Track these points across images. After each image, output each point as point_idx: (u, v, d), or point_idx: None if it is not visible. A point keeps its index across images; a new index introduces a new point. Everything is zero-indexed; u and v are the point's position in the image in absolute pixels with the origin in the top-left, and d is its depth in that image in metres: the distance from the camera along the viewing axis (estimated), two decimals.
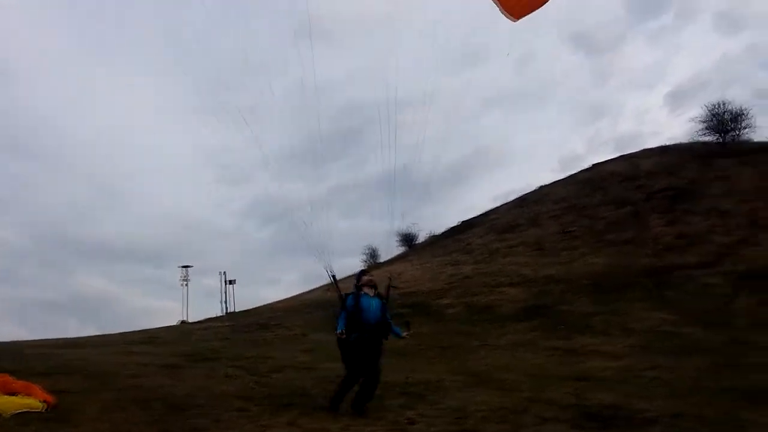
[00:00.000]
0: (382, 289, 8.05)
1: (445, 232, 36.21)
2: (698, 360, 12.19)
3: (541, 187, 38.03)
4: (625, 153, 40.48)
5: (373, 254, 43.24)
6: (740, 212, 24.99)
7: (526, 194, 37.94)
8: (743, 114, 35.08)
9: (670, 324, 15.46)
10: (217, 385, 9.45)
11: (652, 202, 28.66)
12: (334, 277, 8.16)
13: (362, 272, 8.10)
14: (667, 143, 39.34)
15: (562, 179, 38.34)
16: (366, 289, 7.72)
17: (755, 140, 35.26)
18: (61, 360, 12.11)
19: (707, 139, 35.97)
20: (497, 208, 37.14)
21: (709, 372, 11.09)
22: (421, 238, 40.09)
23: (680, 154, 36.23)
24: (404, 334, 7.80)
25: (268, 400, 8.15)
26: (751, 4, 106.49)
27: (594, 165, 39.40)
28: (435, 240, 35.99)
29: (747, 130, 35.29)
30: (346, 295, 7.70)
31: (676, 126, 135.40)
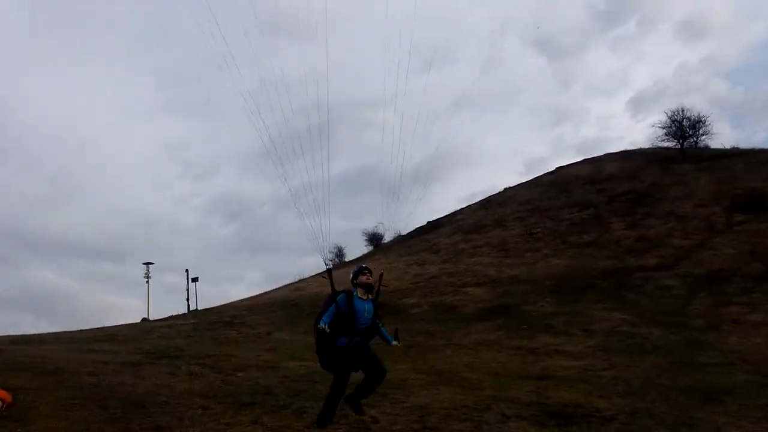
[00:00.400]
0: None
1: (412, 232, 36.38)
2: (655, 360, 12.52)
3: (506, 189, 38.58)
4: (589, 157, 41.40)
5: (339, 253, 43.23)
6: (697, 216, 25.78)
7: (491, 196, 38.43)
8: (701, 121, 36.26)
9: (628, 325, 15.83)
10: (180, 383, 9.31)
11: (614, 206, 29.33)
12: (329, 270, 7.33)
13: (361, 269, 6.96)
14: (629, 148, 40.41)
15: (527, 182, 38.98)
16: (360, 291, 6.79)
17: (712, 147, 36.43)
18: (11, 357, 11.78)
19: (667, 144, 37.05)
20: (463, 209, 37.50)
21: (664, 371, 11.40)
22: (388, 237, 40.24)
23: (641, 159, 37.17)
24: (394, 342, 6.97)
25: (232, 399, 8.08)
26: (711, 16, 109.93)
27: (558, 168, 40.16)
28: (402, 240, 36.13)
29: (705, 136, 36.49)
30: (339, 292, 6.77)
31: (638, 131, 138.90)
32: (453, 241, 30.57)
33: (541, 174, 40.12)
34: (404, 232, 37.68)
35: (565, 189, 34.29)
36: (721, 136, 35.93)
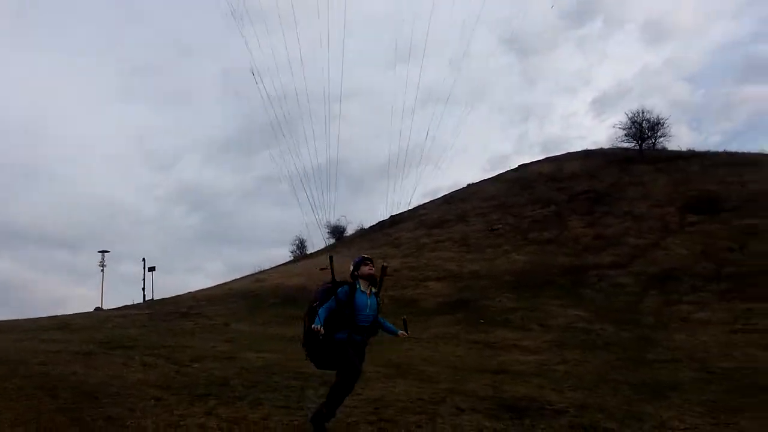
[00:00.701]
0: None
1: (375, 225, 36.47)
2: (607, 355, 12.88)
3: (470, 185, 38.99)
4: (552, 155, 42.13)
5: (301, 245, 43.04)
6: (653, 216, 26.51)
7: (455, 191, 38.78)
8: (660, 123, 37.30)
9: (583, 321, 16.23)
10: (133, 373, 9.16)
11: (574, 204, 29.95)
12: (331, 258, 6.54)
13: (363, 260, 6.23)
14: (591, 147, 41.28)
15: (490, 178, 39.49)
16: (362, 283, 6.10)
17: (670, 148, 37.50)
18: None
19: (627, 145, 37.99)
20: (426, 203, 37.73)
21: (615, 367, 11.74)
22: (350, 230, 40.25)
23: (602, 159, 37.99)
24: (401, 332, 6.43)
25: (186, 390, 7.99)
26: (674, 19, 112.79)
27: (521, 165, 40.76)
28: (364, 233, 36.20)
29: (663, 138, 37.56)
30: (341, 283, 6.04)
31: (600, 131, 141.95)
32: (415, 235, 30.76)
33: (504, 171, 40.69)
34: (366, 226, 37.80)
35: (528, 186, 34.85)
36: (679, 138, 37.24)
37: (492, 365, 11.40)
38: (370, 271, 6.17)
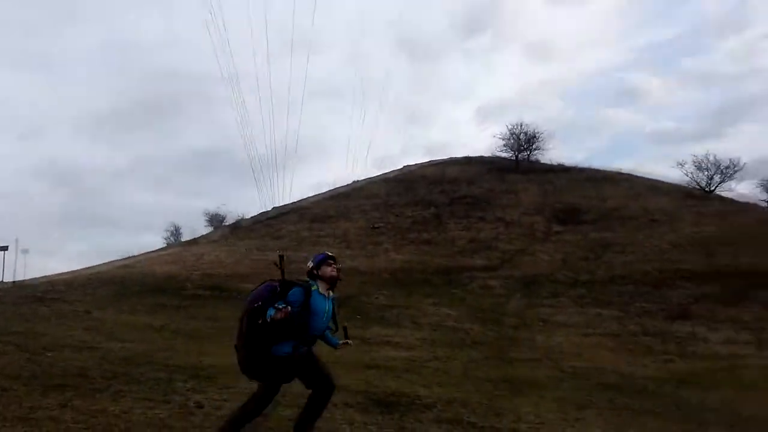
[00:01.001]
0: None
1: (256, 216, 35.74)
2: (473, 353, 13.57)
3: (355, 182, 39.34)
4: (435, 159, 43.60)
5: (176, 233, 41.21)
6: (522, 224, 28.30)
7: (339, 187, 38.94)
8: (536, 137, 39.87)
9: (453, 320, 16.97)
10: None
11: (452, 207, 31.24)
12: (281, 256, 5.39)
13: (326, 258, 5.25)
14: (472, 155, 43.27)
15: (375, 177, 40.09)
16: (321, 285, 5.12)
17: (542, 161, 40.21)
18: None
19: (505, 155, 40.28)
20: (310, 198, 37.58)
21: (480, 364, 12.40)
22: (231, 220, 39.18)
23: (481, 166, 39.94)
24: (341, 341, 5.53)
25: (39, 380, 7.36)
26: (557, 43, 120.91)
27: (405, 167, 41.84)
28: (245, 224, 35.34)
29: (537, 151, 40.21)
30: (293, 283, 5.01)
31: (481, 140, 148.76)
32: (297, 228, 30.55)
33: (389, 171, 41.50)
34: (248, 216, 36.96)
35: (411, 187, 35.83)
36: (551, 152, 39.97)
37: (365, 361, 11.58)
38: (333, 274, 5.17)
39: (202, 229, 39.65)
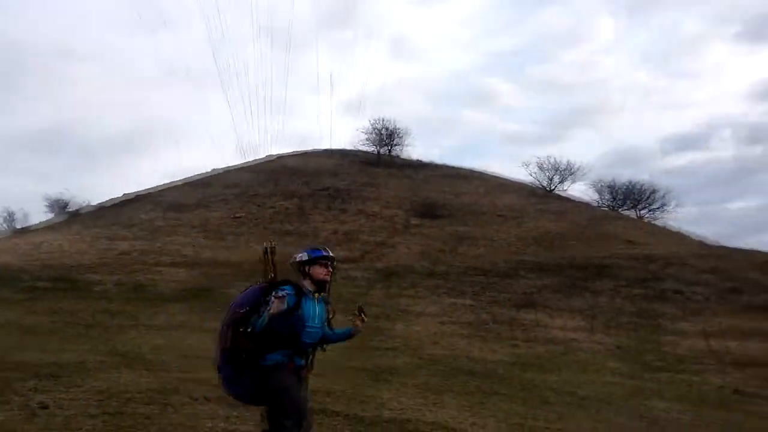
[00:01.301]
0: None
1: (105, 203, 33.20)
2: (340, 344, 13.65)
3: (214, 171, 37.95)
4: (298, 150, 43.26)
5: (10, 218, 37.02)
6: (383, 217, 29.06)
7: (198, 175, 37.36)
8: (396, 132, 41.04)
9: None
10: None
11: (316, 199, 31.26)
12: (270, 248, 4.63)
13: (321, 256, 4.51)
14: (335, 147, 43.44)
15: (236, 166, 38.89)
16: (309, 286, 4.42)
17: (403, 156, 41.52)
18: None
19: (368, 149, 41.06)
20: (166, 185, 35.65)
21: (343, 353, 12.44)
22: (76, 206, 35.94)
23: (344, 159, 40.34)
24: (356, 325, 4.71)
25: None
26: (421, 42, 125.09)
27: (268, 156, 40.98)
28: (92, 210, 32.67)
29: (398, 147, 41.41)
30: (280, 283, 4.33)
31: (346, 133, 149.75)
32: (150, 217, 28.86)
33: (251, 160, 40.48)
34: (95, 203, 34.22)
35: (273, 178, 35.29)
36: (411, 148, 41.36)
37: None
38: (325, 278, 4.47)
39: (42, 215, 35.98)
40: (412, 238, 26.66)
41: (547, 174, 38.73)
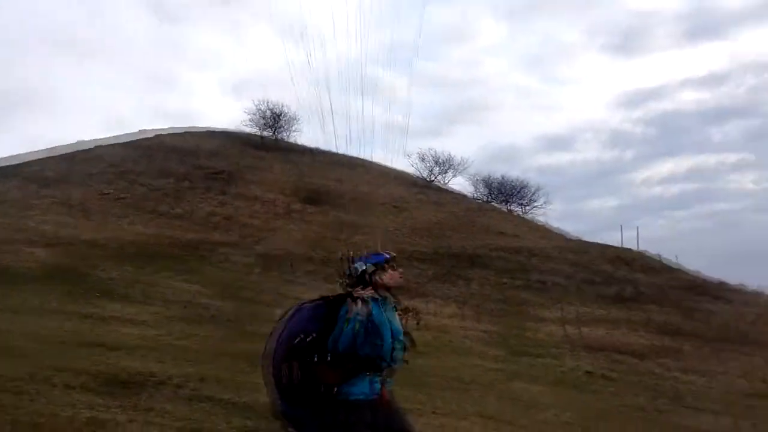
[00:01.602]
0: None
1: None
2: (214, 329, 13.44)
3: (81, 142, 35.26)
4: (178, 127, 41.44)
5: None
6: (270, 201, 28.79)
7: (63, 146, 34.50)
8: (285, 115, 40.58)
9: (198, 295, 16.57)
10: None
11: (198, 180, 30.22)
12: (348, 258, 3.89)
13: (383, 259, 3.81)
14: (222, 127, 42.05)
15: (113, 141, 36.45)
16: (382, 294, 3.68)
17: (292, 141, 41.13)
18: None
19: (252, 131, 40.16)
20: (26, 155, 32.55)
21: (221, 340, 12.36)
22: None
23: (230, 140, 39.24)
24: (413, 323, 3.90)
25: None
26: (307, 26, 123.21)
27: (144, 132, 38.81)
28: None
29: (284, 130, 40.96)
30: (344, 298, 3.65)
31: (233, 113, 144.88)
32: (14, 194, 26.34)
33: (130, 135, 38.10)
34: None
35: (148, 154, 33.51)
36: (298, 134, 40.76)
37: (105, 340, 10.77)
38: (401, 280, 3.78)
39: None
40: (293, 224, 26.66)
41: (428, 166, 40.24)
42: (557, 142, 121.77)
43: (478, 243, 25.94)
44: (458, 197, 38.17)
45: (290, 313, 3.71)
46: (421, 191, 35.98)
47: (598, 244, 29.55)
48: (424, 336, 15.48)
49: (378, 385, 3.49)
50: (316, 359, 3.39)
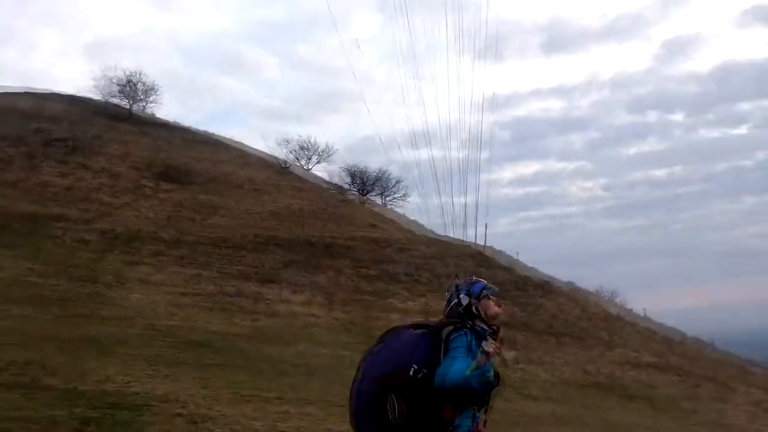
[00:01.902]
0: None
1: None
2: (58, 311, 12.74)
3: None
4: (32, 90, 38.02)
5: None
6: (128, 177, 27.44)
7: None
8: (154, 89, 38.53)
9: (37, 275, 15.50)
10: None
11: (49, 149, 27.98)
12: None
13: (485, 287, 3.60)
14: (79, 94, 38.94)
15: None
16: (479, 326, 3.38)
17: (158, 116, 39.18)
18: None
19: (118, 101, 37.71)
20: None
21: (66, 323, 11.76)
22: None
23: (76, 105, 36.49)
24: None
25: None
26: None
27: None
28: None
29: (152, 104, 38.95)
30: (457, 330, 3.33)
31: (91, 79, 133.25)
32: None
33: None
34: None
35: None
36: (160, 106, 38.41)
37: None
38: (500, 312, 3.61)
39: None
40: (159, 204, 25.55)
41: (293, 152, 39.93)
42: (419, 138, 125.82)
43: (336, 232, 26.46)
44: (320, 184, 38.22)
45: (389, 338, 3.46)
46: (282, 176, 35.53)
47: (450, 237, 31.16)
48: (276, 323, 15.93)
49: (479, 419, 3.34)
50: (435, 396, 3.18)
